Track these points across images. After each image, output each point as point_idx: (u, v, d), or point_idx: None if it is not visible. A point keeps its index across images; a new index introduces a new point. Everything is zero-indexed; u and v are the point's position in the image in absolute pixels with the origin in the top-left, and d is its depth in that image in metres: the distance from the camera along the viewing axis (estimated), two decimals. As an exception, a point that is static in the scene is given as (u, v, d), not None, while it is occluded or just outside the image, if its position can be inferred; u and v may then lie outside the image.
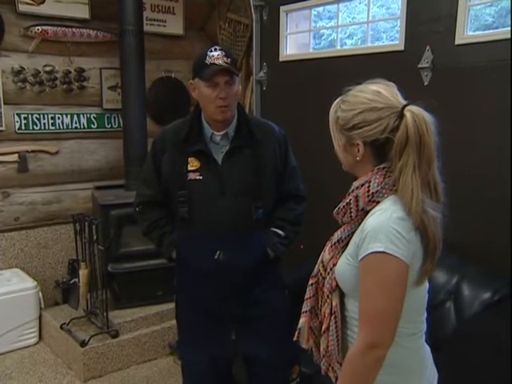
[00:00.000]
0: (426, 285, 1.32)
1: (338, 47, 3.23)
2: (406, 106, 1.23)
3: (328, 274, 1.33)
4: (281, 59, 3.46)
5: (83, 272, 3.15)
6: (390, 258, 1.17)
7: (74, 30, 3.50)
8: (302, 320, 1.43)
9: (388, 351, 1.20)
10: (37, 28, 3.37)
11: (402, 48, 2.72)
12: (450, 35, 2.49)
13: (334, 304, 1.31)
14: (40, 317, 3.45)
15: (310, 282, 1.41)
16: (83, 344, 3.03)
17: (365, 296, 1.21)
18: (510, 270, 2.23)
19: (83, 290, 3.16)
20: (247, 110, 3.72)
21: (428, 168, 1.22)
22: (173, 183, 1.96)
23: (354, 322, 1.31)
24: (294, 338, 1.46)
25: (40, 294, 3.44)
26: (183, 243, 2.00)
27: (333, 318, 1.32)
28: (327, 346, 1.35)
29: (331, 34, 3.66)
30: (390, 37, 3.38)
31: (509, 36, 2.24)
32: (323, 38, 3.85)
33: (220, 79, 1.83)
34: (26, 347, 3.37)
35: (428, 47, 2.58)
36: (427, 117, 1.22)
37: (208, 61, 1.81)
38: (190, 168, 1.93)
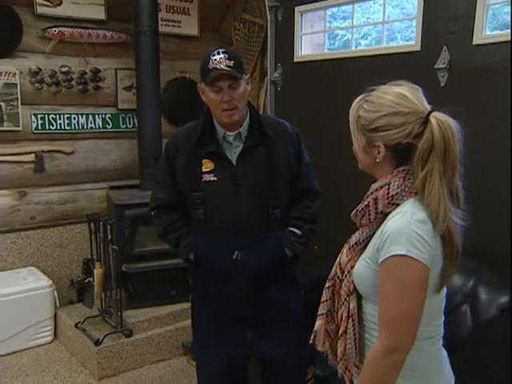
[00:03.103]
0: (445, 290, 1.31)
1: (353, 48, 3.21)
2: (431, 111, 1.22)
3: (345, 276, 1.32)
4: (295, 60, 3.44)
5: (98, 271, 3.17)
6: (412, 262, 1.16)
7: (90, 31, 3.54)
8: (319, 323, 1.42)
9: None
10: (54, 29, 3.40)
11: (418, 48, 2.70)
12: (468, 35, 2.45)
13: (351, 307, 1.31)
14: (55, 315, 3.49)
15: (326, 285, 1.41)
16: (97, 343, 3.05)
17: (385, 299, 1.20)
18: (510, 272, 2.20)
19: (97, 289, 3.18)
20: (261, 111, 3.72)
21: (453, 175, 1.21)
22: (188, 185, 1.97)
23: (372, 325, 1.30)
24: (310, 341, 1.45)
25: (55, 292, 3.47)
26: (201, 244, 2.00)
27: (350, 321, 1.31)
28: (344, 349, 1.34)
29: (346, 35, 3.65)
30: (405, 37, 3.35)
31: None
32: (337, 38, 3.83)
33: (223, 84, 1.82)
34: (41, 345, 3.40)
35: (445, 47, 2.55)
36: (453, 124, 1.20)
37: (210, 65, 1.80)
38: (204, 170, 1.93)
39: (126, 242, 3.21)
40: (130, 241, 3.28)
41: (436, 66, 2.57)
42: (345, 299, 1.32)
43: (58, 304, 3.51)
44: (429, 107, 1.24)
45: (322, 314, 1.41)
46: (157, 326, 3.30)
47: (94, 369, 3.07)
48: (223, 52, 1.83)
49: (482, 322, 2.16)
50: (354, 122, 1.32)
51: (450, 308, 2.19)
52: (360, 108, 1.30)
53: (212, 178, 1.93)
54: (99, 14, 3.57)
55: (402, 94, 1.24)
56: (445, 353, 1.37)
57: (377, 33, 3.46)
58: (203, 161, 1.94)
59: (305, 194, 2.08)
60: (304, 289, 2.14)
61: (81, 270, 3.79)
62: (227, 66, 1.80)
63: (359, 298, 1.32)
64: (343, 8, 3.41)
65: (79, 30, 3.49)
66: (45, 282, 3.42)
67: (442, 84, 2.57)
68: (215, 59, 1.81)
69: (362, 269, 1.28)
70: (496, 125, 2.40)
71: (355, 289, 1.31)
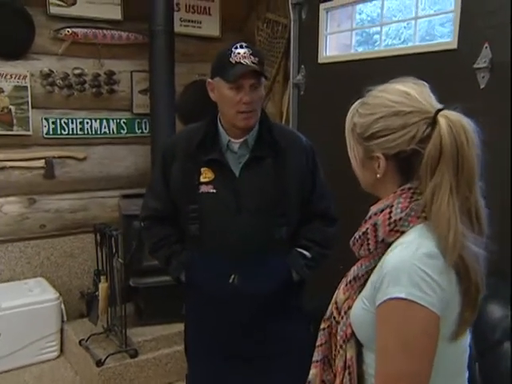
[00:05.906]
0: (467, 337, 1.01)
1: (383, 47, 2.92)
2: (440, 110, 0.96)
3: (342, 318, 1.05)
4: (320, 61, 3.18)
5: (102, 286, 2.97)
6: (415, 308, 0.88)
7: (104, 31, 3.37)
8: (313, 372, 1.16)
9: None
10: (67, 30, 3.25)
11: (455, 46, 2.39)
12: (514, 29, 2.15)
13: (348, 356, 1.04)
14: (62, 330, 3.31)
15: (321, 326, 1.14)
16: (99, 363, 2.84)
17: (382, 354, 0.93)
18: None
19: (102, 304, 2.98)
20: (284, 116, 3.47)
21: (469, 191, 0.93)
22: (182, 196, 1.75)
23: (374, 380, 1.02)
24: (303, 394, 1.18)
25: (62, 305, 3.29)
26: (193, 264, 1.77)
27: (347, 373, 1.04)
28: (341, 408, 1.07)
29: (385, 40, 3.35)
30: (444, 35, 3.04)
31: None
32: (376, 44, 3.53)
33: (245, 82, 1.59)
34: (46, 361, 3.22)
35: (486, 44, 2.24)
36: (467, 124, 0.94)
37: (233, 59, 1.57)
38: (202, 179, 1.71)
39: (133, 255, 3.01)
40: (138, 254, 3.07)
41: (475, 66, 2.27)
42: (341, 346, 1.05)
43: (65, 318, 3.33)
44: (438, 106, 0.98)
45: (317, 361, 1.15)
46: (165, 345, 3.07)
47: (96, 391, 2.86)
48: (246, 46, 1.61)
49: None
50: (349, 131, 1.09)
51: (489, 346, 1.92)
52: (355, 114, 1.06)
53: (211, 189, 1.71)
54: (115, 13, 3.40)
55: (402, 91, 0.99)
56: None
57: (409, 30, 3.16)
58: (202, 169, 1.72)
59: (319, 217, 1.82)
60: (313, 319, 1.86)
61: (92, 281, 3.61)
62: (252, 63, 1.57)
63: (359, 345, 1.05)
64: (373, 2, 3.10)
65: (93, 30, 3.33)
66: (51, 294, 3.25)
67: (482, 86, 2.26)
68: (238, 52, 1.58)
69: (360, 310, 1.00)
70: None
71: (353, 334, 1.03)
